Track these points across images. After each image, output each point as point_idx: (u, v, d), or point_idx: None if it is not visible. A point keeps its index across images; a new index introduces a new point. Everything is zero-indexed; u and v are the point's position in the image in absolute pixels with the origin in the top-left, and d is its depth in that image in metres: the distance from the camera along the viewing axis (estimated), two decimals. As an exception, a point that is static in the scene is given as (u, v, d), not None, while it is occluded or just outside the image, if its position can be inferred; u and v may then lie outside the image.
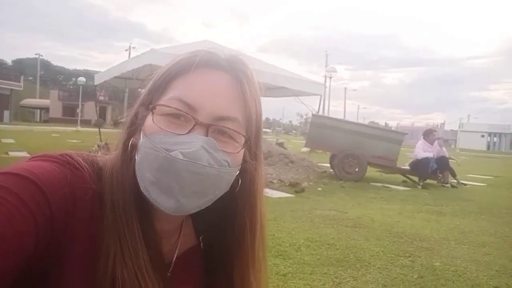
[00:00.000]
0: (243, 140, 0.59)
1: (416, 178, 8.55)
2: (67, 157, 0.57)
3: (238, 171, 0.60)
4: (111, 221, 0.56)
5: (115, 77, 11.34)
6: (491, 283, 2.85)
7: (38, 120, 47.67)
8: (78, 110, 37.92)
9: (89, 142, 13.49)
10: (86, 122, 38.59)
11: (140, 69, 9.89)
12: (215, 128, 0.56)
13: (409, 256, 3.35)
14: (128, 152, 0.59)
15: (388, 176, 9.22)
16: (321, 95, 11.75)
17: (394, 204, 5.95)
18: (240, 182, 0.62)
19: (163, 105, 0.56)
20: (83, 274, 0.54)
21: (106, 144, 10.55)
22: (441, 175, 8.49)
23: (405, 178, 8.90)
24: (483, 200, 6.73)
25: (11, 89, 37.23)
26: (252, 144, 0.62)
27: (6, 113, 36.91)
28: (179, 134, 0.55)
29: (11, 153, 9.79)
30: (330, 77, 24.81)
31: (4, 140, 13.61)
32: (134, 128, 0.61)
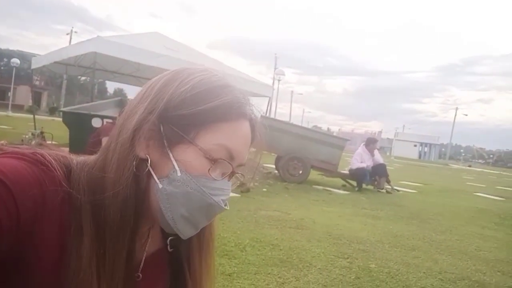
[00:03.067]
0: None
1: (354, 183, 9.00)
2: (39, 156, 0.55)
3: None
4: (93, 232, 0.55)
5: (55, 62, 10.66)
6: (419, 283, 3.09)
7: (-39, 101, 43.38)
8: (10, 94, 35.10)
9: (22, 129, 12.54)
10: (17, 107, 35.85)
11: (84, 56, 9.40)
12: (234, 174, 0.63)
13: (347, 258, 3.52)
14: (135, 163, 0.57)
15: (329, 180, 9.59)
16: (269, 97, 11.95)
17: (334, 207, 6.21)
18: None
19: (223, 159, 0.59)
20: (49, 280, 0.53)
21: (41, 132, 9.90)
22: (376, 182, 9.02)
23: (344, 183, 9.32)
24: (414, 206, 7.23)
25: None
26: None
27: None
28: (216, 179, 0.59)
29: None
30: (279, 80, 25.28)
31: None
32: (145, 138, 0.58)
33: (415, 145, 65.75)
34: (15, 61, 32.75)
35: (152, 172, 0.57)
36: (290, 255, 3.38)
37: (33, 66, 11.64)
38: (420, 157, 62.90)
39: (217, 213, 0.61)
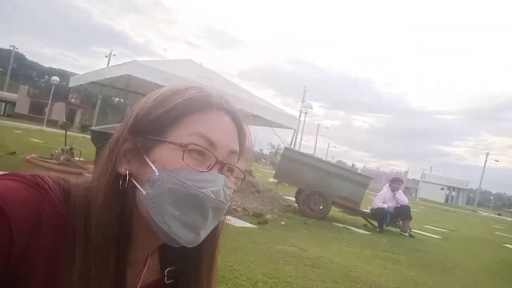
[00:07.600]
0: (237, 173, 0.65)
1: (376, 223, 8.72)
2: (39, 179, 0.56)
3: None
4: (81, 253, 0.54)
5: (91, 82, 11.13)
6: None
7: (1, 113, 45.62)
8: (46, 109, 36.66)
9: (53, 143, 12.99)
10: (52, 123, 37.27)
11: (119, 78, 9.77)
12: (227, 166, 0.61)
13: (364, 303, 3.36)
14: (120, 182, 0.58)
15: (350, 218, 9.34)
16: (295, 129, 11.95)
17: (354, 247, 6.00)
18: None
19: (195, 144, 0.58)
20: None
21: (70, 148, 10.22)
22: (400, 223, 8.69)
23: (366, 222, 9.04)
24: (438, 253, 6.91)
25: (-22, 78, 36.02)
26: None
27: (-32, 102, 35.42)
28: (201, 172, 0.57)
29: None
30: (306, 113, 25.27)
31: (-39, 130, 12.90)
32: (123, 155, 0.60)
33: (442, 188, 63.67)
34: (55, 78, 34.37)
35: (135, 182, 0.58)
36: (303, 295, 3.26)
37: (71, 84, 12.19)
38: (447, 201, 60.71)
39: (209, 207, 0.56)
